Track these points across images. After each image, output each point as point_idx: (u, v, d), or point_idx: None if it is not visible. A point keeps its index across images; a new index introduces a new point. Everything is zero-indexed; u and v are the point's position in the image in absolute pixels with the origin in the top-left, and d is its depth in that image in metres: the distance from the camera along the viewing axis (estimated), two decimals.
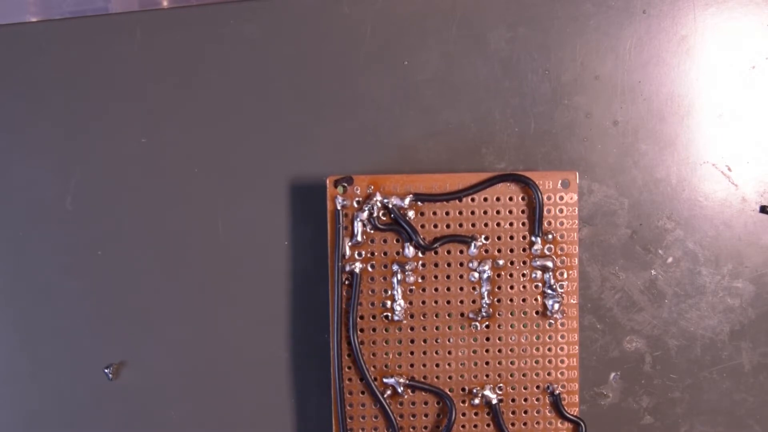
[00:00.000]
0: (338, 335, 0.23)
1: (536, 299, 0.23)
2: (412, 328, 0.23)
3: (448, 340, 0.23)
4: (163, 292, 0.25)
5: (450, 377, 0.24)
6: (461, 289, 0.23)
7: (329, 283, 0.23)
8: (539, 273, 0.23)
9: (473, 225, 0.23)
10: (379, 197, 0.23)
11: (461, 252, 0.23)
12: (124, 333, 0.25)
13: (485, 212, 0.23)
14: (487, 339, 0.23)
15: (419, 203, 0.23)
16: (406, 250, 0.23)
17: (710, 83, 0.24)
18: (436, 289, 0.23)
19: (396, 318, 0.23)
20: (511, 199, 0.23)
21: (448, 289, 0.23)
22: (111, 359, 0.25)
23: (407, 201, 0.23)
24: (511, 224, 0.23)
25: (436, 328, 0.23)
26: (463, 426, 0.24)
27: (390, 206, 0.23)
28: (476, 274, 0.23)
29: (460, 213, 0.23)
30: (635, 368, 0.25)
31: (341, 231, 0.23)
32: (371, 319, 0.23)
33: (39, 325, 0.26)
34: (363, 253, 0.23)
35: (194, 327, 0.25)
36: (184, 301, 0.25)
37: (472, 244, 0.23)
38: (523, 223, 0.23)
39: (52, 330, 0.25)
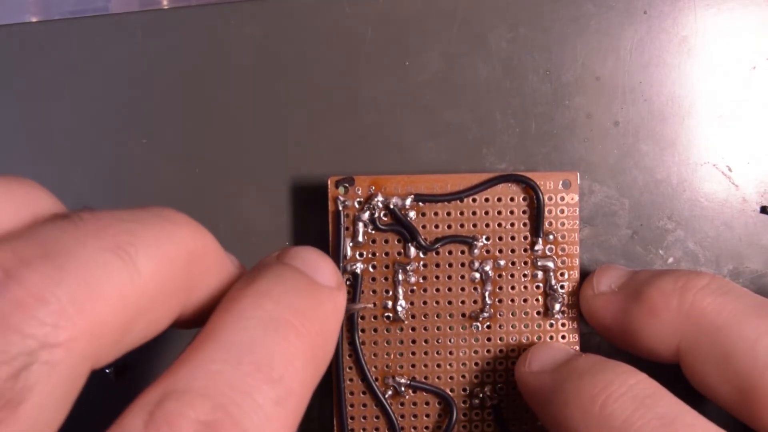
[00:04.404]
0: (340, 335, 0.23)
1: (537, 299, 0.23)
2: (413, 329, 0.23)
3: (450, 341, 0.23)
4: None
5: (451, 377, 0.24)
6: (462, 289, 0.23)
7: None
8: (540, 273, 0.23)
9: (474, 225, 0.23)
10: (380, 198, 0.23)
11: (462, 252, 0.23)
12: None
13: (486, 213, 0.23)
14: (489, 339, 0.24)
15: (420, 204, 0.23)
16: (408, 251, 0.23)
17: (711, 84, 0.25)
18: (437, 290, 0.23)
19: (397, 318, 0.23)
20: (512, 199, 0.23)
21: (450, 289, 0.23)
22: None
23: (408, 201, 0.23)
24: (512, 225, 0.23)
25: (438, 329, 0.23)
26: (465, 426, 0.24)
27: (391, 207, 0.23)
28: (477, 275, 0.23)
29: (461, 213, 0.23)
30: (636, 368, 0.25)
31: (342, 232, 0.23)
32: (372, 319, 0.23)
33: None
34: (364, 253, 0.23)
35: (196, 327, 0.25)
36: None
37: (474, 245, 0.23)
38: (524, 224, 0.23)
39: None
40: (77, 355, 0.12)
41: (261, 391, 0.14)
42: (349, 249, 0.23)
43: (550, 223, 0.23)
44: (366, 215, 0.23)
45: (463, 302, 0.23)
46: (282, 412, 0.14)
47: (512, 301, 0.23)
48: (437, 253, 0.23)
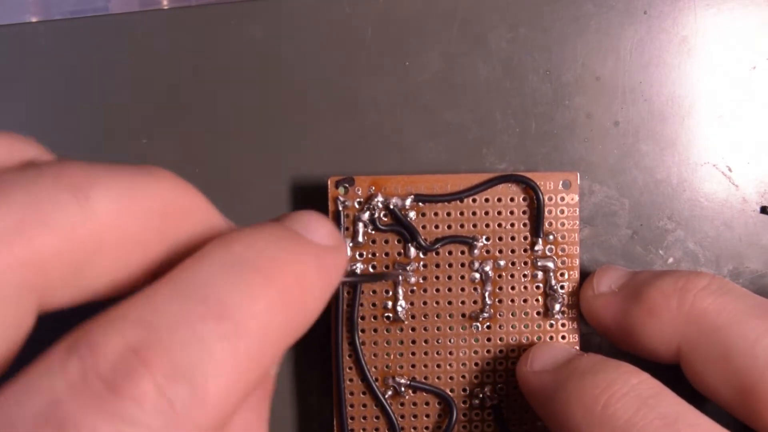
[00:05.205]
0: (340, 336, 0.23)
1: (537, 300, 0.23)
2: (413, 329, 0.23)
3: (450, 341, 0.23)
4: None
5: (451, 378, 0.24)
6: (462, 289, 0.23)
7: None
8: (540, 273, 0.23)
9: (474, 226, 0.23)
10: (380, 198, 0.23)
11: (462, 253, 0.23)
12: None
13: (486, 213, 0.23)
14: (489, 339, 0.24)
15: (420, 204, 0.23)
16: (408, 251, 0.23)
17: (711, 84, 0.25)
18: (437, 290, 0.23)
19: (397, 318, 0.23)
20: (512, 199, 0.23)
21: (450, 289, 0.23)
22: None
23: (408, 202, 0.23)
24: (512, 225, 0.23)
25: (438, 329, 0.23)
26: (465, 426, 0.24)
27: (391, 207, 0.23)
28: (477, 275, 0.23)
29: (461, 214, 0.23)
30: (638, 368, 0.25)
31: (342, 232, 0.23)
32: (372, 319, 0.23)
33: (43, 325, 0.25)
34: (364, 253, 0.23)
35: None
36: None
37: (474, 245, 0.23)
38: (524, 224, 0.23)
39: (56, 330, 0.25)
40: (14, 281, 0.12)
41: (205, 324, 0.12)
42: (349, 249, 0.23)
43: (550, 224, 0.23)
44: (366, 215, 0.23)
45: (463, 302, 0.23)
46: (229, 348, 0.12)
47: (512, 301, 0.23)
48: (437, 253, 0.23)
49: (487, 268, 0.23)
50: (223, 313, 0.13)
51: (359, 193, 0.23)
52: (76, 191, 0.13)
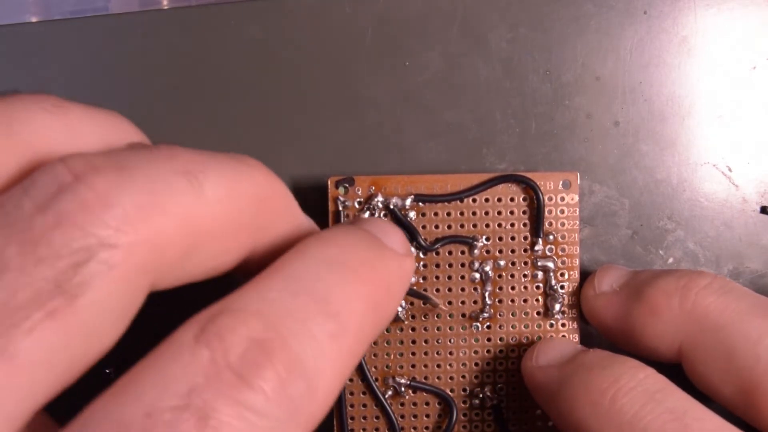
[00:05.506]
0: None
1: (537, 300, 0.23)
2: (413, 329, 0.23)
3: (450, 341, 0.23)
4: (166, 291, 0.25)
5: (451, 378, 0.24)
6: (462, 289, 0.23)
7: None
8: (540, 273, 0.23)
9: (474, 226, 0.23)
10: (380, 198, 0.23)
11: (462, 252, 0.23)
12: (127, 333, 0.25)
13: (486, 213, 0.23)
14: (489, 339, 0.24)
15: (420, 204, 0.23)
16: None
17: (711, 84, 0.25)
18: (437, 290, 0.23)
19: (397, 318, 0.23)
20: (512, 199, 0.23)
21: (450, 289, 0.23)
22: (113, 359, 0.25)
23: (408, 202, 0.23)
24: (512, 225, 0.23)
25: (438, 329, 0.23)
26: (465, 426, 0.24)
27: (391, 207, 0.23)
28: (477, 275, 0.23)
29: (461, 214, 0.23)
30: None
31: None
32: None
33: None
34: None
35: None
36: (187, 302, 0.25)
37: (474, 245, 0.23)
38: (524, 224, 0.23)
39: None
40: (136, 263, 0.13)
41: (316, 322, 0.13)
42: None
43: (550, 224, 0.23)
44: (366, 215, 0.23)
45: (463, 302, 0.23)
46: (337, 348, 0.13)
47: (512, 301, 0.23)
48: (437, 253, 0.23)
49: (487, 268, 0.23)
50: (331, 312, 0.13)
51: (359, 193, 0.23)
52: (190, 176, 0.13)
